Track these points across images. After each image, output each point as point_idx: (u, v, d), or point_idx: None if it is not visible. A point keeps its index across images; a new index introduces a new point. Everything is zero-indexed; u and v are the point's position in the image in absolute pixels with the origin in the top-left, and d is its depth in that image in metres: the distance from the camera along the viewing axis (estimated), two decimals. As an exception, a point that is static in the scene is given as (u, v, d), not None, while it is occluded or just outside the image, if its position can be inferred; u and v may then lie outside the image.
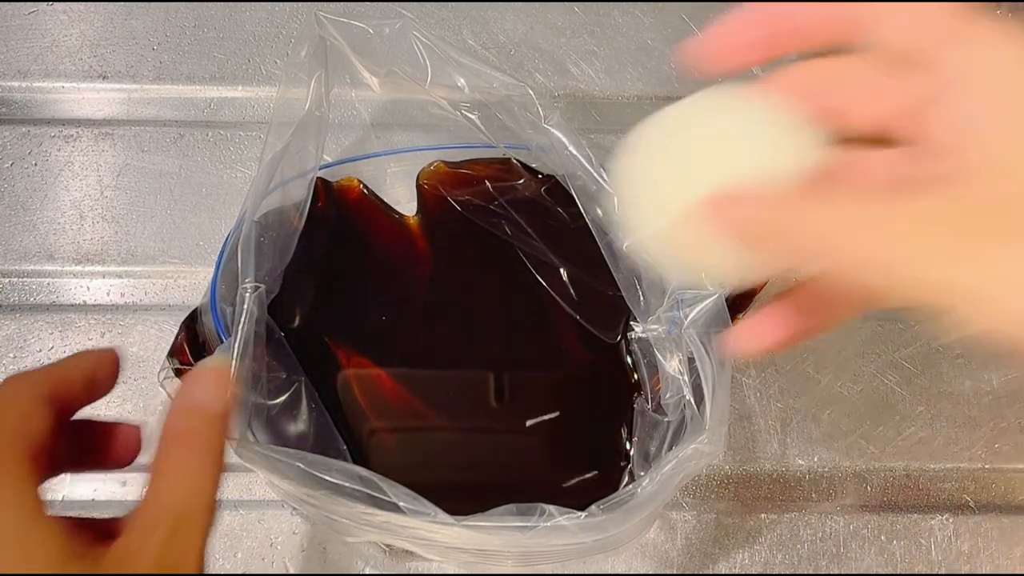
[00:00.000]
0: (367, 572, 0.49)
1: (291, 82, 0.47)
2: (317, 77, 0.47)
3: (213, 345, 0.47)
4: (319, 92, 0.47)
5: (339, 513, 0.42)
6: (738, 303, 0.53)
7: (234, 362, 0.41)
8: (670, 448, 0.45)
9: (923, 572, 0.50)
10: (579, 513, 0.41)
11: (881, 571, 0.50)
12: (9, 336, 0.52)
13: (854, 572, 0.50)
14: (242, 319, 0.42)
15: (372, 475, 0.41)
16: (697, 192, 0.33)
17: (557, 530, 0.41)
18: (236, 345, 0.42)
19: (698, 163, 0.35)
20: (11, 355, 0.52)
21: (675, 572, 0.49)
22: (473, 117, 0.52)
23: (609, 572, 0.49)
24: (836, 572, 0.50)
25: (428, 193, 0.54)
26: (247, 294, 0.43)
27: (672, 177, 0.36)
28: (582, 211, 0.49)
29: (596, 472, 0.50)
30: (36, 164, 0.56)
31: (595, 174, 0.48)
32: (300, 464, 0.41)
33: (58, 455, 0.32)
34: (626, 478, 0.49)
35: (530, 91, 0.47)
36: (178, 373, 0.49)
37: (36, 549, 0.29)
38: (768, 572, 0.50)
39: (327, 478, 0.41)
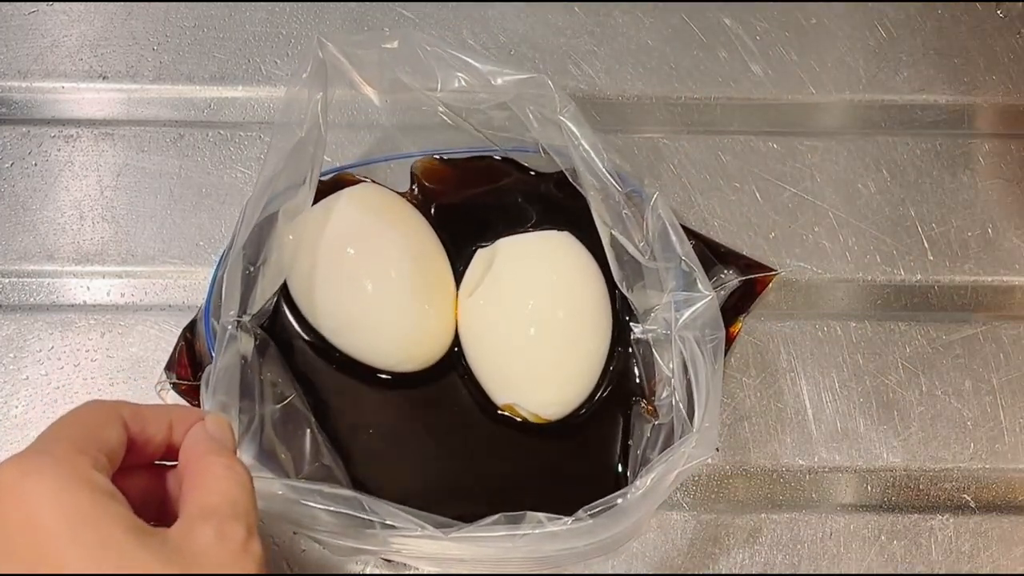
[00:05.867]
0: (367, 572, 0.49)
1: (290, 104, 0.47)
2: (315, 101, 0.47)
3: (207, 360, 0.47)
4: (316, 115, 0.47)
5: (330, 535, 0.42)
6: (739, 304, 0.53)
7: (209, 398, 0.42)
8: (662, 451, 0.45)
9: (923, 572, 0.50)
10: (567, 519, 0.41)
11: (881, 571, 0.50)
12: (9, 336, 0.52)
13: (854, 572, 0.50)
14: (221, 354, 0.43)
15: (356, 495, 0.41)
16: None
17: (546, 537, 0.41)
18: (212, 382, 0.42)
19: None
20: (11, 355, 0.52)
21: (675, 572, 0.49)
22: (474, 122, 0.52)
23: (609, 572, 0.49)
24: (836, 572, 0.50)
25: (423, 178, 0.54)
26: (228, 328, 0.44)
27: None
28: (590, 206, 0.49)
29: (593, 475, 0.50)
30: (36, 164, 0.56)
31: (603, 169, 0.48)
32: (280, 491, 0.41)
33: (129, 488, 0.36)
34: (621, 481, 0.49)
35: (547, 80, 0.47)
36: (176, 387, 0.49)
37: (113, 523, 0.32)
38: (768, 572, 0.50)
39: (310, 504, 0.41)
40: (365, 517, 0.41)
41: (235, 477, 0.36)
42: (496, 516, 0.42)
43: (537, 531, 0.41)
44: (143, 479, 0.38)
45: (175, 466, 0.39)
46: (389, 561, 0.48)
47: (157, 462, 0.39)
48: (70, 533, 0.32)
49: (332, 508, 0.41)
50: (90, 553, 0.31)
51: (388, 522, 0.41)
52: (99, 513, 0.32)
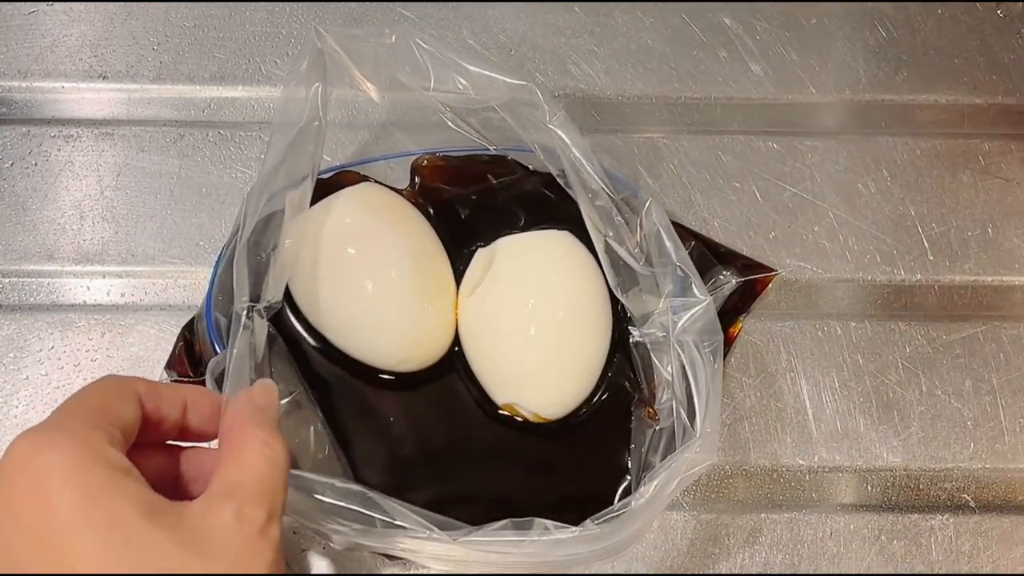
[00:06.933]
0: (368, 572, 0.49)
1: (290, 97, 0.46)
2: (315, 90, 0.47)
3: (208, 356, 0.47)
4: (316, 105, 0.47)
5: (336, 528, 0.42)
6: (739, 305, 0.53)
7: (227, 384, 0.41)
8: (664, 455, 0.45)
9: (923, 572, 0.50)
10: (574, 528, 0.41)
11: (881, 571, 0.50)
12: (9, 336, 0.52)
13: (854, 572, 0.50)
14: (235, 341, 0.43)
15: (366, 490, 0.41)
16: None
17: (553, 544, 0.41)
18: (228, 368, 0.42)
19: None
20: (11, 355, 0.52)
21: (675, 572, 0.49)
22: (473, 122, 0.52)
23: (609, 573, 0.49)
24: (836, 572, 0.50)
25: (423, 176, 0.54)
26: (242, 316, 0.44)
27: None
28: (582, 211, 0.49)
29: (593, 475, 0.50)
30: (36, 164, 0.56)
31: (595, 174, 0.48)
32: (291, 482, 0.41)
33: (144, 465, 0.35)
34: (624, 487, 0.49)
35: (536, 89, 0.47)
36: (176, 385, 0.49)
37: (125, 501, 0.32)
38: (768, 572, 0.50)
39: (321, 498, 0.41)
40: (375, 515, 0.41)
41: (269, 454, 0.35)
42: (504, 522, 0.42)
43: (544, 537, 0.41)
44: (156, 459, 0.38)
45: (190, 447, 0.39)
46: (390, 559, 0.48)
47: (170, 442, 0.39)
48: (80, 512, 0.31)
49: (343, 503, 0.41)
50: (99, 533, 0.31)
51: (397, 522, 0.41)
52: (112, 491, 0.32)
